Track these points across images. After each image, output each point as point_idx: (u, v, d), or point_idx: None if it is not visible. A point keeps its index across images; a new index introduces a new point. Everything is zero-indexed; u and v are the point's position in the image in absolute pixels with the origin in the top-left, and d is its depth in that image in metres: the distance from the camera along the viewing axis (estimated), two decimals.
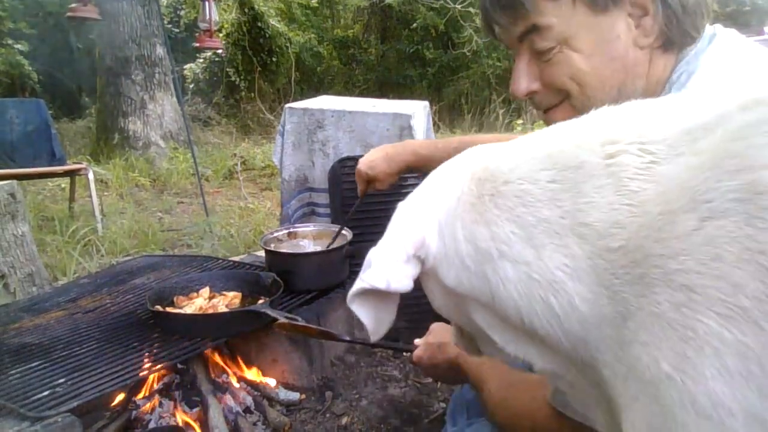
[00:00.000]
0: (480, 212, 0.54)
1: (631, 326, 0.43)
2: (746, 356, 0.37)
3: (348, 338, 1.59)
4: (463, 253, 0.55)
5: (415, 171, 1.53)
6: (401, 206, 0.64)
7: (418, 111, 2.36)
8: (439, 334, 1.15)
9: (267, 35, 8.93)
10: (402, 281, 0.58)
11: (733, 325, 0.37)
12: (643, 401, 0.41)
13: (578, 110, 0.81)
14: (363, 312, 0.62)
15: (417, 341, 1.19)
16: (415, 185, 2.01)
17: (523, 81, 0.85)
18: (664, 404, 0.40)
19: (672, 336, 0.40)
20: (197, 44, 6.58)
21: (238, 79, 8.94)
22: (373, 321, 0.63)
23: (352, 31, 10.94)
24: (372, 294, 0.60)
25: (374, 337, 0.66)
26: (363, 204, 1.92)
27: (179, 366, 1.57)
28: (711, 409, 0.37)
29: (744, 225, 0.38)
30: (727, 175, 0.40)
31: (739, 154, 0.41)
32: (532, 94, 0.86)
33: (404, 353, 1.84)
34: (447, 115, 8.55)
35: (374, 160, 1.46)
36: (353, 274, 1.94)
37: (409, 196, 0.65)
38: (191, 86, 9.29)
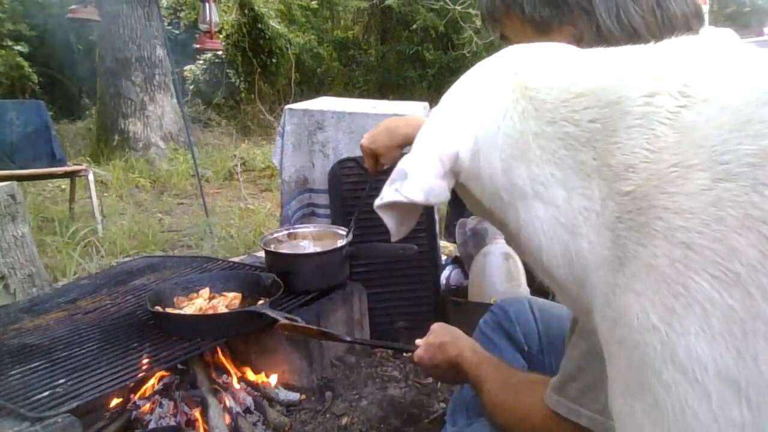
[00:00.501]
0: (522, 150, 0.54)
1: (627, 272, 0.44)
2: (731, 319, 0.38)
3: (349, 339, 1.59)
4: (498, 184, 0.55)
5: None
6: (435, 112, 0.63)
7: (418, 112, 2.36)
8: (440, 334, 1.15)
9: (267, 36, 8.93)
10: (440, 195, 0.58)
11: (723, 288, 0.38)
12: (627, 347, 0.43)
13: None
14: (389, 218, 0.62)
15: (418, 341, 1.19)
16: None
17: None
18: (645, 353, 0.41)
19: (664, 290, 0.41)
20: (197, 46, 6.57)
21: (238, 81, 8.94)
22: (397, 225, 0.64)
23: (352, 32, 10.94)
24: (406, 205, 0.60)
25: (395, 238, 0.66)
26: (363, 204, 1.91)
27: (179, 366, 1.57)
28: (688, 364, 0.39)
29: (750, 191, 0.39)
30: (749, 139, 0.40)
31: (766, 120, 0.41)
32: None
33: (405, 353, 1.84)
34: None
35: (375, 134, 1.47)
36: (353, 274, 1.94)
37: (444, 101, 0.64)
38: (191, 87, 9.28)
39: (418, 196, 0.57)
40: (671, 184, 0.42)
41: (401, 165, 0.59)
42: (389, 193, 0.58)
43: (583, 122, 0.50)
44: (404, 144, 1.45)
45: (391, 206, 0.60)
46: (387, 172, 1.63)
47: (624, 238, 0.45)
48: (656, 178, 0.44)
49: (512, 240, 0.59)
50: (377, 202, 0.60)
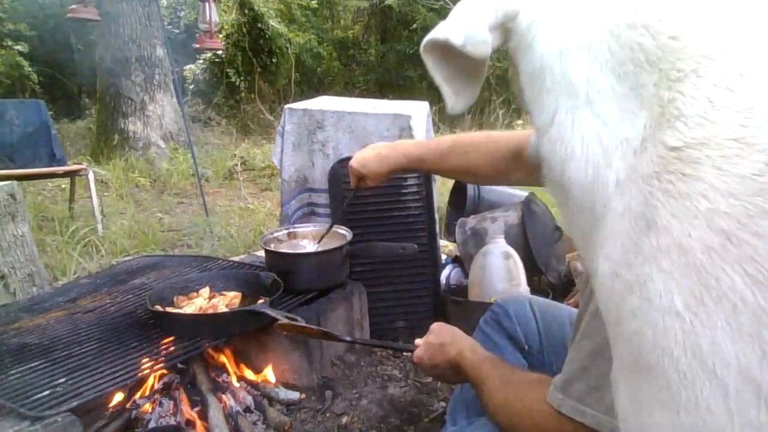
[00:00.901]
0: (591, 44, 0.46)
1: (654, 242, 0.40)
2: (761, 321, 0.36)
3: (349, 338, 1.59)
4: (547, 65, 0.48)
5: (407, 171, 1.54)
6: None
7: (418, 112, 2.36)
8: (439, 333, 1.15)
9: (267, 36, 8.93)
10: (480, 46, 0.51)
11: (758, 288, 0.36)
12: (642, 321, 0.40)
13: None
14: (435, 69, 0.55)
15: (417, 341, 1.19)
16: (416, 185, 2.02)
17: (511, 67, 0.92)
18: (664, 335, 0.39)
19: (694, 277, 0.38)
20: (197, 45, 6.58)
21: (238, 80, 8.94)
22: (447, 83, 0.56)
23: (352, 31, 10.95)
24: (451, 52, 0.53)
25: (452, 106, 0.57)
26: (362, 204, 1.92)
27: (179, 366, 1.57)
28: (709, 358, 0.37)
29: None
30: None
31: None
32: None
33: (404, 353, 1.84)
34: (447, 116, 8.55)
35: (366, 158, 1.48)
36: (353, 274, 1.95)
37: None
38: (191, 87, 9.29)
39: (456, 38, 0.51)
40: (727, 161, 0.37)
41: (455, 8, 0.54)
42: (431, 32, 0.52)
43: (663, 36, 0.42)
44: (393, 171, 1.47)
45: (436, 51, 0.53)
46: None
47: (657, 200, 0.40)
48: (712, 146, 0.38)
49: (534, 129, 0.52)
50: (421, 46, 0.53)
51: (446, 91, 0.56)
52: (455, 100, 0.58)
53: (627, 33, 0.44)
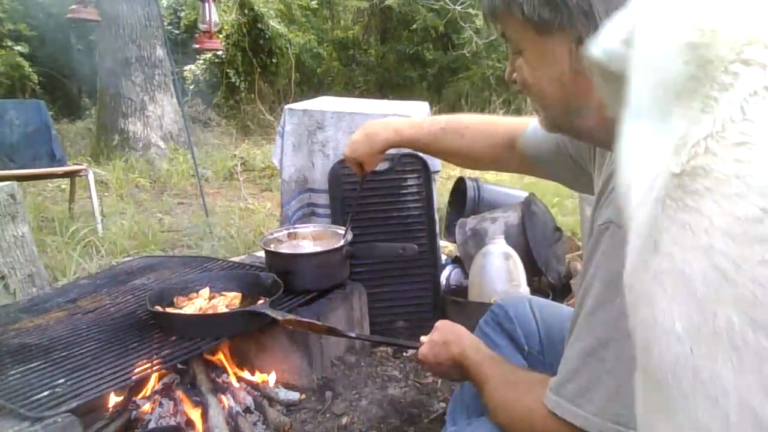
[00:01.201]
0: (645, 59, 0.44)
1: (659, 264, 0.39)
2: (765, 360, 0.34)
3: (353, 334, 1.59)
4: (617, 65, 0.46)
5: (399, 148, 1.52)
6: None
7: (418, 112, 2.36)
8: (444, 331, 1.15)
9: (267, 36, 8.94)
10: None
11: (762, 333, 0.34)
12: (649, 335, 0.40)
13: (534, 107, 0.90)
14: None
15: (423, 338, 1.20)
16: (416, 185, 2.02)
17: (508, 67, 0.93)
18: (667, 353, 0.38)
19: (693, 306, 0.37)
20: (197, 45, 6.56)
21: (238, 80, 8.94)
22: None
23: (351, 32, 10.95)
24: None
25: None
26: (362, 204, 1.92)
27: (179, 366, 1.57)
28: (711, 386, 0.36)
29: None
30: None
31: None
32: (515, 80, 0.93)
33: (408, 351, 1.85)
34: None
35: (355, 142, 1.45)
36: (353, 274, 1.95)
37: None
38: (191, 87, 9.29)
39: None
40: (728, 199, 0.36)
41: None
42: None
43: (680, 70, 0.40)
44: (385, 149, 1.44)
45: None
46: (378, 173, 1.62)
47: (661, 224, 0.39)
48: (711, 179, 0.37)
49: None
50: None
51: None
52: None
53: (646, 36, 0.43)
